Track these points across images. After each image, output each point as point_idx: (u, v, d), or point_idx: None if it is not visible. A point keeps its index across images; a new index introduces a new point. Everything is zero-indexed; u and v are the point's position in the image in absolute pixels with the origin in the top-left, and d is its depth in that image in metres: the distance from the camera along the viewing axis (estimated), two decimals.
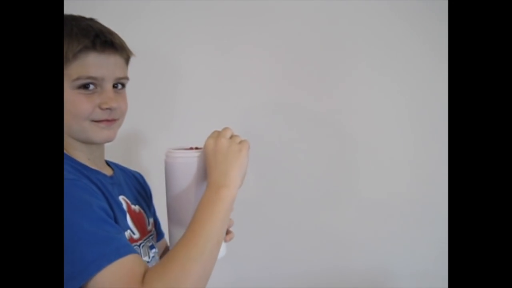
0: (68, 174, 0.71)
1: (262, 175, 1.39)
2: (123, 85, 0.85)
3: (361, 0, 1.37)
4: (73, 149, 0.82)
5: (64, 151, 0.81)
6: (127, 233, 0.81)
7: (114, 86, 0.82)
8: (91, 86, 0.78)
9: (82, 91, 0.77)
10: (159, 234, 1.00)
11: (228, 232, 0.86)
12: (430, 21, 1.36)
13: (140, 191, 0.98)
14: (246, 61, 1.39)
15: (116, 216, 0.78)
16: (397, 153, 1.42)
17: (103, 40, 0.78)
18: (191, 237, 0.69)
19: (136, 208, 0.89)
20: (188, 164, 0.79)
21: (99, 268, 0.63)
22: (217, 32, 1.37)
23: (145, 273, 0.65)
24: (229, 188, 0.73)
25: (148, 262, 0.85)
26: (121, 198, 0.86)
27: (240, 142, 0.78)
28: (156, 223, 1.00)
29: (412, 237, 1.42)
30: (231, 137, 0.78)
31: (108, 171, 0.88)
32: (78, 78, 0.76)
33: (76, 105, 0.77)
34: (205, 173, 0.78)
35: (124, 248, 0.67)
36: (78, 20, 0.80)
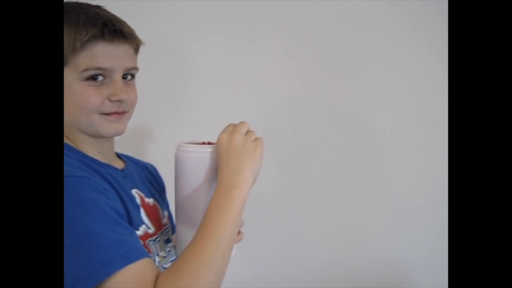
0: (76, 170, 0.69)
1: (279, 172, 1.37)
2: (133, 76, 0.81)
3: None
4: (82, 143, 0.79)
5: (73, 145, 0.78)
6: (142, 228, 0.79)
7: (124, 77, 0.78)
8: (100, 78, 0.74)
9: (91, 82, 0.74)
10: (174, 227, 0.98)
11: (238, 232, 0.81)
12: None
13: (153, 183, 0.95)
14: (260, 56, 1.36)
15: (129, 211, 0.76)
16: (414, 151, 1.43)
17: (112, 28, 0.74)
18: (202, 242, 0.66)
19: (150, 201, 0.87)
20: (199, 160, 0.75)
21: (108, 273, 0.60)
22: (231, 25, 1.35)
23: (157, 279, 0.63)
24: (241, 189, 0.70)
25: (164, 257, 0.84)
26: (134, 191, 0.84)
27: (255, 139, 0.74)
28: (170, 217, 0.98)
29: (431, 236, 1.43)
30: (246, 133, 0.74)
31: (119, 164, 0.86)
32: (86, 69, 0.73)
33: (84, 98, 0.74)
34: (216, 170, 0.73)
35: (135, 252, 0.64)
36: (84, 7, 0.76)
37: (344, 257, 1.42)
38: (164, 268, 0.83)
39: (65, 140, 0.79)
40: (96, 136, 0.79)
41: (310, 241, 1.38)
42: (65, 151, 0.76)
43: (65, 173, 0.64)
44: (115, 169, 0.82)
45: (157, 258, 0.80)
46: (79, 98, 0.74)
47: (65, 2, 0.77)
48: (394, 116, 1.42)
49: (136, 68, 0.81)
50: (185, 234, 0.77)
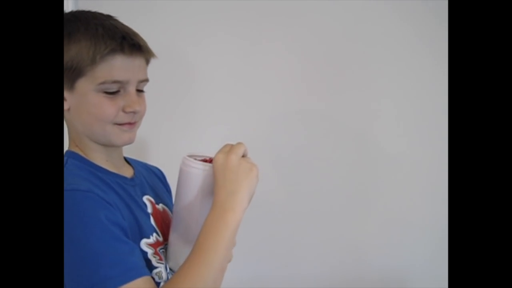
0: (81, 183, 0.70)
1: (281, 179, 1.36)
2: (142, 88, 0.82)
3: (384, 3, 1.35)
4: (91, 151, 0.80)
5: (82, 153, 0.79)
6: (153, 237, 0.79)
7: (137, 89, 0.79)
8: (115, 89, 0.75)
9: (107, 94, 0.75)
10: None
11: None
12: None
13: (162, 187, 0.95)
14: (263, 58, 1.35)
15: (139, 221, 0.76)
16: (416, 160, 1.41)
17: (131, 43, 0.75)
18: (195, 265, 0.66)
19: (160, 207, 0.87)
20: (195, 176, 0.75)
21: None
22: (234, 26, 1.34)
23: None
24: (235, 212, 0.69)
25: None
26: (145, 198, 0.84)
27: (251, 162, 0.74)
28: None
29: (431, 244, 1.42)
30: (243, 156, 0.73)
31: (128, 171, 0.86)
32: (104, 82, 0.74)
33: (100, 109, 0.75)
34: (212, 188, 0.73)
35: (133, 271, 0.64)
36: (99, 18, 0.77)
37: (343, 264, 1.42)
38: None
39: (75, 149, 0.80)
40: (108, 145, 0.80)
41: (309, 247, 1.38)
42: (74, 161, 0.78)
43: (69, 187, 0.65)
44: (124, 178, 0.82)
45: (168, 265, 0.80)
46: (95, 109, 0.75)
47: (79, 12, 0.79)
48: (395, 124, 1.42)
49: (147, 80, 0.82)
50: (175, 244, 0.79)
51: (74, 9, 1.17)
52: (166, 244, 0.83)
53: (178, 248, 0.78)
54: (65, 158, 0.79)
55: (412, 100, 1.40)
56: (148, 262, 0.74)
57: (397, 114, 1.41)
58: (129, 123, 0.78)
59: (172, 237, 0.80)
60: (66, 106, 0.76)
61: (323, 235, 1.40)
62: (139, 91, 0.80)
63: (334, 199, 1.40)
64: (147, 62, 0.82)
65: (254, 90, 1.35)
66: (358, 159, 1.41)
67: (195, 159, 0.76)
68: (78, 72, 0.74)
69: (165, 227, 0.84)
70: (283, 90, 1.37)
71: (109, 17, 0.79)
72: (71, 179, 0.69)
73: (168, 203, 0.91)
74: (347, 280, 1.40)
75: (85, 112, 0.76)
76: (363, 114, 1.40)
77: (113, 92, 0.75)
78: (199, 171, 0.74)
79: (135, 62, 0.77)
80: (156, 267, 0.76)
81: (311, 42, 1.36)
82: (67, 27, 0.75)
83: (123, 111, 0.77)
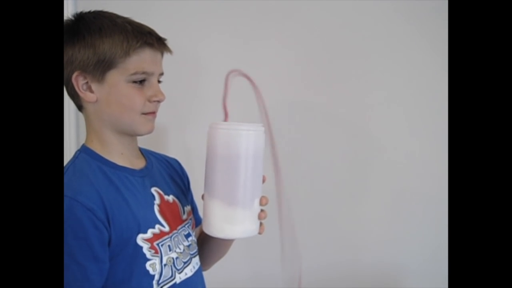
0: (75, 186, 0.75)
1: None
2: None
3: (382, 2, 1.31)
4: (108, 145, 0.85)
5: (95, 148, 0.84)
6: (156, 229, 0.83)
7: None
8: (142, 79, 0.82)
9: (135, 85, 0.81)
10: (197, 220, 1.02)
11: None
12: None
13: (176, 179, 0.99)
14: (261, 55, 1.34)
15: (137, 217, 0.80)
16: (410, 152, 1.37)
17: (157, 37, 0.83)
18: None
19: (169, 198, 0.91)
20: (254, 137, 0.83)
21: None
22: (234, 24, 1.34)
23: None
24: None
25: (180, 252, 0.88)
26: (154, 190, 0.88)
27: None
28: (194, 210, 1.02)
29: (425, 235, 1.39)
30: None
31: (140, 163, 0.90)
32: (135, 73, 0.80)
33: (130, 98, 0.82)
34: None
35: None
36: (120, 16, 0.83)
37: (341, 261, 1.41)
38: (183, 262, 0.88)
39: (90, 144, 0.85)
40: (133, 134, 0.87)
41: (306, 245, 1.37)
42: (85, 155, 0.83)
43: (66, 193, 0.72)
44: (133, 171, 0.86)
45: (165, 258, 0.84)
46: (125, 99, 0.81)
47: (97, 11, 0.84)
48: (394, 120, 1.37)
49: (163, 73, 0.88)
50: (217, 208, 0.82)
51: (74, 8, 1.23)
52: (174, 233, 0.88)
53: (220, 212, 0.82)
54: (77, 152, 0.85)
55: (412, 97, 1.36)
56: (142, 255, 0.79)
57: (397, 111, 1.36)
58: (153, 112, 0.85)
59: (212, 203, 0.83)
60: (93, 98, 0.82)
61: (320, 232, 1.39)
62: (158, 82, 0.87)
63: (331, 196, 1.38)
64: (163, 56, 0.88)
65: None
66: (356, 155, 1.38)
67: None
68: (109, 64, 0.79)
69: (171, 217, 0.88)
70: (280, 86, 1.35)
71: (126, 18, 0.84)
72: (75, 185, 0.76)
73: (180, 195, 0.95)
74: (345, 277, 1.40)
75: (115, 103, 0.82)
76: (361, 111, 1.37)
77: (141, 81, 0.82)
78: (259, 132, 0.83)
79: (158, 55, 0.85)
80: (149, 259, 0.80)
81: (309, 38, 1.34)
82: (96, 23, 0.80)
83: (149, 100, 0.83)
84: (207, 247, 0.99)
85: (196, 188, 1.03)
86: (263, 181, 0.86)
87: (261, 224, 0.87)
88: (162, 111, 0.88)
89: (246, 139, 0.81)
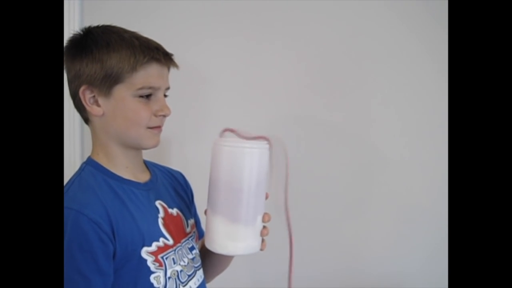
0: (81, 199, 0.76)
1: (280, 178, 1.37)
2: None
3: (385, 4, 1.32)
4: (113, 158, 0.85)
5: (101, 162, 0.84)
6: (160, 242, 0.83)
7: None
8: (149, 93, 0.82)
9: (141, 99, 0.82)
10: (200, 233, 1.02)
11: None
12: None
13: (180, 192, 0.99)
14: (266, 64, 1.35)
15: (142, 231, 0.80)
16: (416, 162, 1.37)
17: (164, 52, 0.84)
18: None
19: (173, 211, 0.91)
20: (258, 155, 0.82)
21: None
22: (236, 28, 1.35)
23: None
24: None
25: (184, 265, 0.88)
26: (158, 203, 0.88)
27: None
28: (197, 223, 1.02)
29: (427, 240, 1.38)
30: None
31: (144, 177, 0.91)
32: (142, 88, 0.81)
33: (136, 113, 0.82)
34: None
35: None
36: (128, 31, 0.84)
37: (342, 265, 1.41)
38: (188, 275, 0.88)
39: (95, 157, 0.86)
40: (138, 148, 0.88)
41: (308, 249, 1.36)
42: (91, 168, 0.84)
43: (71, 205, 0.73)
44: (137, 184, 0.87)
45: (169, 270, 0.84)
46: (132, 113, 0.82)
47: (105, 26, 0.85)
48: (395, 126, 1.37)
49: (169, 88, 0.88)
50: (219, 225, 0.82)
51: (80, 9, 1.24)
52: (178, 246, 0.88)
53: (223, 228, 0.82)
54: (83, 165, 0.85)
55: (412, 102, 1.36)
56: (146, 268, 0.80)
57: (397, 116, 1.37)
58: (159, 126, 0.86)
59: (215, 220, 0.83)
60: (100, 112, 0.82)
61: (321, 236, 1.39)
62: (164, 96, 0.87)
63: (332, 201, 1.38)
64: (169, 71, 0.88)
65: (256, 90, 1.36)
66: (358, 161, 1.38)
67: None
68: (116, 79, 0.80)
69: (175, 231, 0.88)
70: (285, 92, 1.36)
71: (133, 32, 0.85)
72: (82, 197, 0.77)
73: (183, 208, 0.95)
74: (346, 281, 1.39)
75: (121, 117, 0.82)
76: (364, 116, 1.37)
77: (147, 96, 0.82)
78: (264, 150, 0.82)
79: (165, 70, 0.86)
80: (154, 272, 0.81)
81: (312, 44, 1.34)
82: (104, 38, 0.81)
83: (154, 115, 0.84)
84: (209, 261, 0.99)
85: (198, 201, 1.03)
86: (266, 198, 0.86)
87: (263, 240, 0.87)
88: (165, 123, 0.89)
89: (250, 157, 0.81)
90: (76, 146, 1.34)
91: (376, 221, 1.39)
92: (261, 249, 0.87)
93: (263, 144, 0.83)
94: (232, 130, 0.85)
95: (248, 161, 0.81)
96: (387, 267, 1.40)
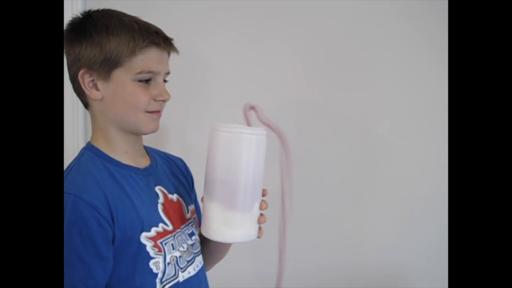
0: (80, 184, 0.76)
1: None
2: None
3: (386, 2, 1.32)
4: (113, 143, 0.85)
5: (100, 147, 0.85)
6: (159, 227, 0.84)
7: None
8: (148, 78, 0.82)
9: (141, 84, 0.82)
10: (200, 219, 1.02)
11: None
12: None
13: (180, 178, 0.99)
14: (268, 61, 1.35)
15: (140, 215, 0.80)
16: (415, 153, 1.38)
17: (164, 37, 0.84)
18: None
19: (173, 197, 0.92)
20: (256, 141, 0.82)
21: None
22: (239, 24, 1.34)
23: None
24: None
25: (184, 251, 0.88)
26: (158, 188, 0.89)
27: None
28: (197, 209, 1.02)
29: (429, 236, 1.39)
30: None
31: (144, 162, 0.91)
32: (141, 72, 0.81)
33: (135, 97, 0.82)
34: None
35: None
36: (128, 15, 0.83)
37: (343, 262, 1.41)
38: (187, 260, 0.88)
39: (95, 142, 0.86)
40: (137, 133, 0.87)
41: (309, 245, 1.37)
42: (90, 153, 0.84)
43: (70, 190, 0.73)
44: (137, 169, 0.87)
45: (168, 256, 0.84)
46: (131, 97, 0.82)
47: (105, 10, 0.85)
48: (395, 122, 1.37)
49: (169, 72, 0.88)
50: (216, 211, 0.82)
51: (83, 5, 1.24)
52: (177, 232, 0.88)
53: (219, 215, 0.82)
54: (82, 150, 0.86)
55: (413, 98, 1.36)
56: (145, 253, 0.80)
57: (398, 112, 1.37)
58: (158, 111, 0.86)
59: (211, 206, 0.82)
60: (99, 95, 0.82)
61: (323, 233, 1.39)
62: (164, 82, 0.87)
63: (334, 197, 1.38)
64: (169, 56, 0.88)
65: (257, 87, 1.35)
66: (359, 157, 1.38)
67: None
68: (115, 63, 0.80)
69: (175, 216, 0.89)
70: (286, 88, 1.36)
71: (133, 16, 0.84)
72: (81, 182, 0.77)
73: (184, 194, 0.95)
74: (348, 277, 1.39)
75: (119, 101, 0.82)
76: (364, 112, 1.36)
77: (146, 80, 0.82)
78: (262, 136, 0.82)
79: (165, 55, 0.85)
80: (153, 258, 0.81)
81: (314, 40, 1.34)
82: (103, 21, 0.81)
83: (154, 99, 0.83)
84: (207, 249, 0.99)
85: (198, 189, 1.03)
86: (264, 194, 0.86)
87: (260, 228, 0.87)
88: (164, 109, 0.89)
89: (248, 143, 0.81)
90: (79, 132, 1.34)
91: (378, 212, 1.39)
92: (258, 237, 0.86)
93: (261, 131, 0.82)
94: (252, 107, 0.85)
95: (246, 148, 0.80)
96: (390, 261, 1.40)
